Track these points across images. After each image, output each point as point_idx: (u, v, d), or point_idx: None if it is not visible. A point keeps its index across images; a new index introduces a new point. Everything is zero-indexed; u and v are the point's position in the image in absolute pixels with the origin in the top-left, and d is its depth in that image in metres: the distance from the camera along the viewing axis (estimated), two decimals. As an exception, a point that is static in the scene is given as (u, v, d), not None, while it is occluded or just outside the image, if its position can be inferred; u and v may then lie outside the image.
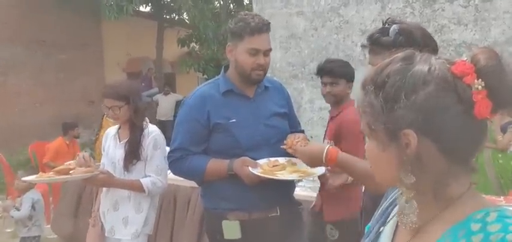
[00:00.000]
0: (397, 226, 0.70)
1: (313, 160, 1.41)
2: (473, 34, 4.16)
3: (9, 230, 3.63)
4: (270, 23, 1.62)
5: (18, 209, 3.03)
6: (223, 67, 1.71)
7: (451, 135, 0.58)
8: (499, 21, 4.04)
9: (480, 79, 0.57)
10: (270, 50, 1.61)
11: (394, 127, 0.59)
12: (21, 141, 6.49)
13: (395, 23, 1.24)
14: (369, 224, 0.79)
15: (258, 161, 1.55)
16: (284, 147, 1.51)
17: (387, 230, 0.71)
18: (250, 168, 1.51)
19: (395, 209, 0.72)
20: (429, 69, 0.59)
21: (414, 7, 4.64)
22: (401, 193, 0.65)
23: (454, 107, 0.57)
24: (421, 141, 0.58)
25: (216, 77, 1.72)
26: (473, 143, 0.61)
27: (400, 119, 0.58)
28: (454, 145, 0.59)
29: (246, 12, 1.65)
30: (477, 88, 0.56)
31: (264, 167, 1.54)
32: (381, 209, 0.77)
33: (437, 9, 4.37)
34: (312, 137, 1.84)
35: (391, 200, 0.75)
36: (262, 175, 1.48)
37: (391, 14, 4.77)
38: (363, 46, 1.41)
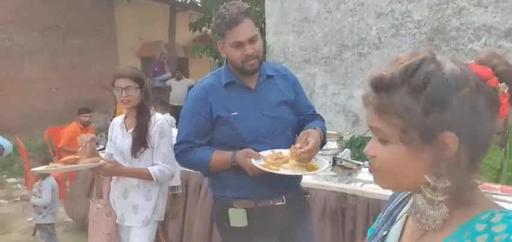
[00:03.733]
0: (403, 228, 0.69)
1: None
2: (493, 16, 3.99)
3: (30, 218, 3.72)
4: (248, 8, 1.55)
5: (37, 196, 3.07)
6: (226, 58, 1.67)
7: (482, 138, 0.58)
8: (522, 2, 3.85)
9: (504, 83, 0.57)
10: (255, 36, 1.54)
11: (434, 130, 0.56)
12: (38, 126, 6.64)
13: None
14: (373, 226, 0.77)
15: (261, 153, 1.53)
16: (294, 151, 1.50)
17: (393, 233, 0.70)
18: (253, 160, 1.49)
19: (402, 211, 0.71)
20: (461, 69, 0.57)
21: (432, -12, 4.47)
22: (416, 196, 0.62)
23: (485, 109, 0.57)
24: (459, 144, 0.57)
25: (220, 68, 1.69)
26: (490, 144, 0.60)
27: (443, 122, 0.56)
28: (481, 147, 0.59)
29: (225, 4, 1.55)
30: (503, 91, 0.57)
31: (267, 159, 1.52)
32: (386, 211, 0.75)
33: (457, -10, 4.19)
34: (325, 127, 1.79)
35: (396, 202, 0.74)
36: (264, 168, 1.47)
37: (408, -4, 4.61)
38: None
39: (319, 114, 1.78)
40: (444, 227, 0.60)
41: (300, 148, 1.48)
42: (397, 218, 0.71)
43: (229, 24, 1.50)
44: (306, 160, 1.51)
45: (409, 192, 0.71)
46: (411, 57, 0.59)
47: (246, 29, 1.52)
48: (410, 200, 0.72)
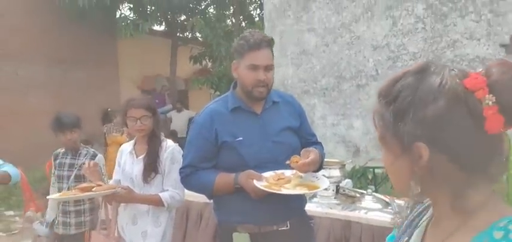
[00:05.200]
0: (424, 235, 0.70)
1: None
2: (486, 49, 4.13)
3: (27, 242, 3.64)
4: (271, 39, 1.64)
5: (42, 224, 3.03)
6: (233, 83, 1.73)
7: (464, 148, 0.58)
8: (513, 35, 4.01)
9: (491, 95, 0.56)
10: (271, 65, 1.61)
11: (406, 140, 0.60)
12: (40, 159, 6.63)
13: None
14: (393, 234, 0.79)
15: (263, 174, 1.56)
16: (288, 162, 1.57)
17: (414, 239, 0.71)
18: (255, 181, 1.52)
19: (422, 219, 0.72)
20: (440, 83, 0.59)
21: (425, 23, 4.65)
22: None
23: (465, 121, 0.57)
24: (433, 154, 0.59)
25: (226, 94, 1.75)
26: (489, 153, 0.60)
27: (411, 133, 0.59)
28: (468, 157, 0.59)
29: (250, 30, 1.67)
30: (488, 103, 0.56)
31: (270, 180, 1.55)
32: (407, 220, 0.76)
33: (449, 24, 4.37)
34: (325, 153, 1.86)
35: (417, 212, 0.75)
36: (266, 189, 1.49)
37: (403, 30, 4.78)
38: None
39: (320, 142, 1.83)
40: (462, 236, 0.60)
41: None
42: (419, 224, 0.72)
43: (252, 46, 1.57)
44: (302, 171, 1.57)
45: (429, 201, 0.72)
46: (408, 68, 0.64)
47: (264, 55, 1.60)
48: (431, 209, 0.72)
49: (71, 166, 2.62)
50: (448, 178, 0.61)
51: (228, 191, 1.61)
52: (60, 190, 2.59)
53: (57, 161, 2.68)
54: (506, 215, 0.59)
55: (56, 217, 2.65)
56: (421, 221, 0.73)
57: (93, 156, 2.62)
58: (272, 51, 1.64)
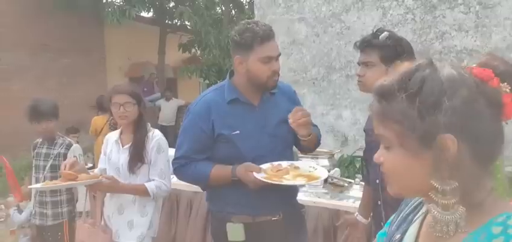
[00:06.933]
0: (418, 232, 0.69)
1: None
2: (474, 40, 4.18)
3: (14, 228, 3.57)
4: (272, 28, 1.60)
5: (19, 212, 2.97)
6: (228, 72, 1.70)
7: (484, 138, 0.58)
8: (500, 28, 4.07)
9: (506, 83, 0.59)
10: (280, 54, 1.60)
11: (431, 133, 0.57)
12: (25, 146, 6.50)
13: (386, 31, 1.50)
14: (384, 231, 0.77)
15: (261, 166, 1.56)
16: (289, 120, 1.55)
17: (410, 234, 0.70)
18: (254, 173, 1.51)
19: (417, 215, 0.71)
20: (459, 72, 0.59)
21: (415, 14, 4.67)
22: (430, 208, 0.61)
23: (486, 110, 0.58)
24: (459, 145, 0.57)
25: (222, 82, 1.70)
26: (499, 146, 0.61)
27: (440, 124, 0.57)
28: (485, 148, 0.59)
29: (248, 21, 1.60)
30: (506, 91, 0.59)
31: (268, 172, 1.55)
32: (401, 215, 0.75)
33: (438, 16, 4.40)
34: (320, 136, 1.85)
35: (412, 207, 0.73)
36: (267, 181, 1.49)
37: (392, 21, 4.80)
38: (355, 46, 1.53)
39: (316, 125, 1.81)
40: (459, 233, 0.60)
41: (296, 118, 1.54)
42: (413, 220, 0.71)
43: (263, 38, 1.52)
44: (300, 120, 1.53)
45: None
46: (409, 65, 0.61)
47: (275, 45, 1.58)
48: (425, 204, 0.70)
49: (47, 155, 2.56)
50: (465, 171, 0.59)
51: (224, 183, 1.60)
52: (37, 180, 2.54)
53: (35, 151, 2.63)
54: (505, 211, 0.59)
55: (33, 208, 2.60)
56: (415, 218, 0.71)
57: (69, 146, 2.56)
58: None
